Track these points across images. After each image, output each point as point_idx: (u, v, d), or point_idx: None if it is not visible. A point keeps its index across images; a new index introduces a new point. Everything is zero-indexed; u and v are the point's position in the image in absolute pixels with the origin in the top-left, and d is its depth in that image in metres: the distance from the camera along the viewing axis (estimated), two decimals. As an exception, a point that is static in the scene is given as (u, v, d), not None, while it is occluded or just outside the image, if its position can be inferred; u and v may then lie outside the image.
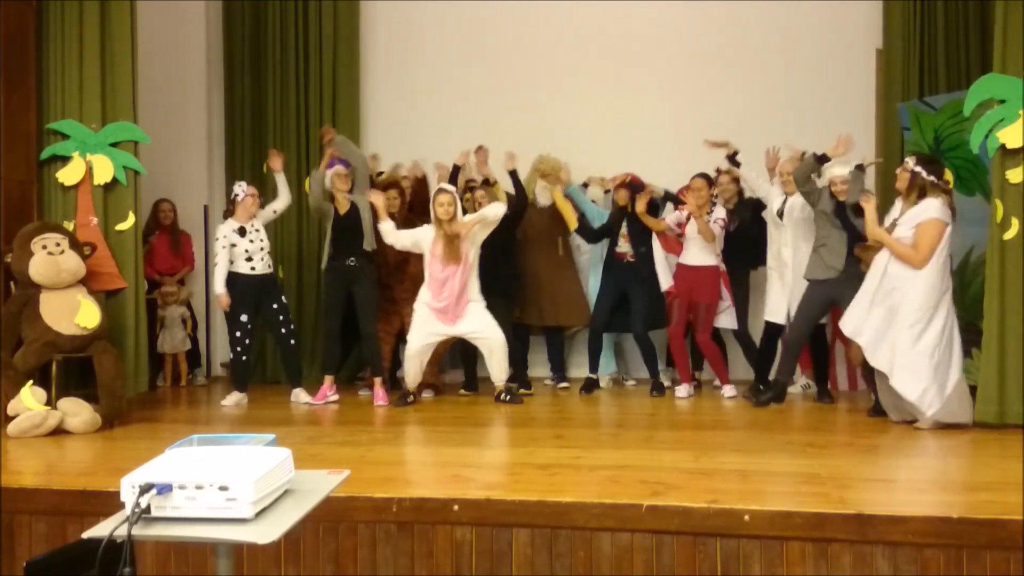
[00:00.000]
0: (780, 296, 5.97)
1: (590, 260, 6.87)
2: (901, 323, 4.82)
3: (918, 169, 4.94)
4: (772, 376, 5.93)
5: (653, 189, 6.47)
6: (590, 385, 6.39)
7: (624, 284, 6.33)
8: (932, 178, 4.92)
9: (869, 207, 5.07)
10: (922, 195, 4.93)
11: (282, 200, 6.31)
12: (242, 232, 6.03)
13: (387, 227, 5.90)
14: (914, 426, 4.82)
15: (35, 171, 5.61)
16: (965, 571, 3.01)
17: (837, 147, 5.45)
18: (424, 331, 5.85)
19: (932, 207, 4.86)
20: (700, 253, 6.10)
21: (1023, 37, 4.85)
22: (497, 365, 5.92)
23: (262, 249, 6.08)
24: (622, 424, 5.39)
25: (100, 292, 5.43)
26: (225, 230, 6.05)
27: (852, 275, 5.39)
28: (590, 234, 6.53)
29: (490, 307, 6.05)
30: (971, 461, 4.20)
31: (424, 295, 5.87)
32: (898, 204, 5.14)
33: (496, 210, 5.87)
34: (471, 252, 5.82)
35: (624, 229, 6.37)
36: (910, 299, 4.82)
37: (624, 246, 6.37)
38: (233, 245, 6.00)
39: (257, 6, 7.45)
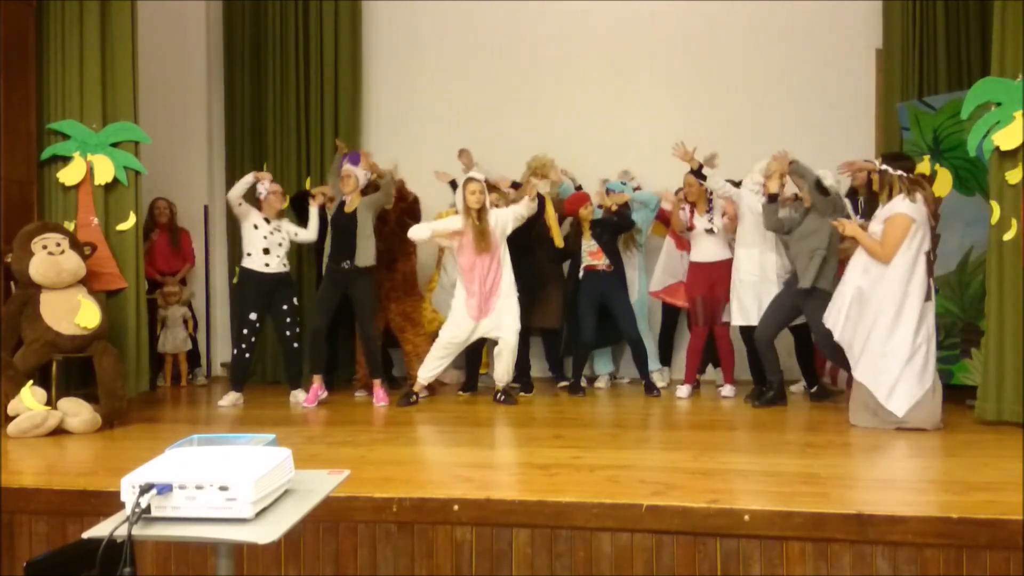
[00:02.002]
0: (756, 297, 5.91)
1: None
2: (872, 321, 4.83)
3: (884, 167, 4.93)
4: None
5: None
6: (575, 388, 6.34)
7: (603, 295, 6.25)
8: (900, 172, 4.88)
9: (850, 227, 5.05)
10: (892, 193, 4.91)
11: (307, 234, 6.24)
12: (268, 221, 6.13)
13: (415, 230, 5.90)
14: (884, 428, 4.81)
15: (35, 171, 5.61)
16: (965, 571, 3.01)
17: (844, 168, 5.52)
18: (456, 330, 5.86)
19: (899, 203, 4.83)
20: (715, 248, 6.12)
21: (1022, 38, 4.85)
22: (503, 366, 5.94)
23: (280, 245, 6.11)
24: (622, 424, 5.39)
25: (100, 292, 5.43)
26: (254, 212, 6.15)
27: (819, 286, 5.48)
28: (558, 255, 6.44)
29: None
30: (971, 461, 4.19)
31: (460, 288, 5.88)
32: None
33: (527, 209, 5.86)
34: (502, 244, 5.85)
35: (593, 247, 6.27)
36: (879, 297, 4.82)
37: (595, 260, 6.27)
38: (255, 226, 6.08)
39: (257, 6, 7.45)
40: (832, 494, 3.36)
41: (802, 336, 5.98)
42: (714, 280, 6.11)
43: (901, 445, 4.50)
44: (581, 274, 6.32)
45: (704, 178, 5.95)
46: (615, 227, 6.34)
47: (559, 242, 6.37)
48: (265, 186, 6.19)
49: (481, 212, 5.79)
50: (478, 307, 5.82)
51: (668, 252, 6.53)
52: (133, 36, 5.73)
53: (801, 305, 5.55)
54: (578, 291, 6.30)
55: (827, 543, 3.08)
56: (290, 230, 6.24)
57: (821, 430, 5.01)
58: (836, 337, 5.03)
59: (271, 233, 6.12)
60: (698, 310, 6.16)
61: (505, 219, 5.87)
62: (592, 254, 6.28)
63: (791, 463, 4.03)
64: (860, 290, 4.89)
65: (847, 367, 5.57)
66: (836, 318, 5.02)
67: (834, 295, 5.11)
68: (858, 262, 4.96)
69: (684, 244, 6.43)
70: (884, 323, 4.79)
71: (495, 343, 6.03)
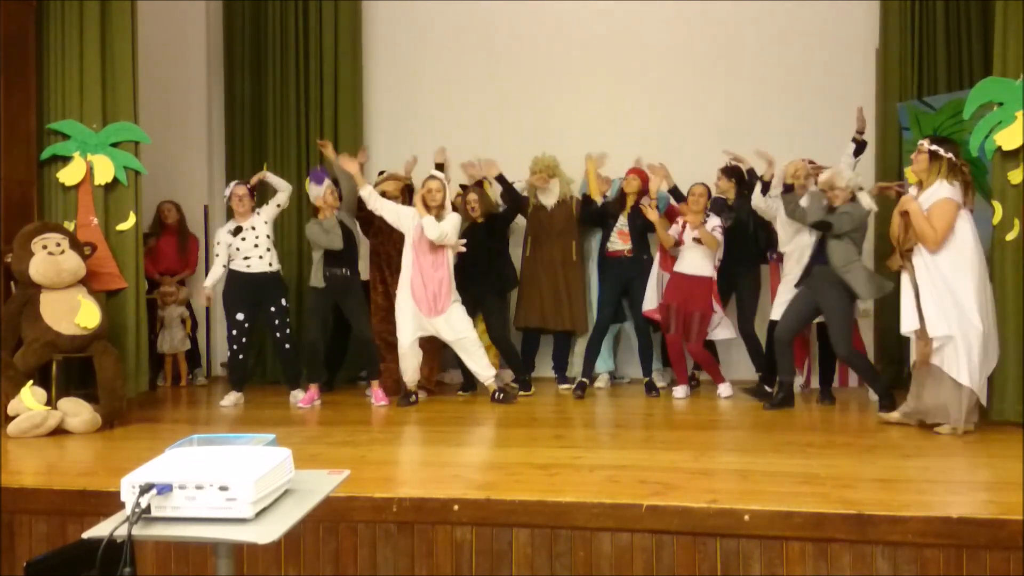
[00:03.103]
0: (789, 295, 5.91)
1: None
2: (967, 322, 4.64)
3: (935, 148, 4.79)
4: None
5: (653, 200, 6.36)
6: (582, 387, 6.30)
7: (624, 279, 6.28)
8: (950, 155, 4.77)
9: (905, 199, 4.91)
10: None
11: (282, 193, 6.22)
12: (237, 231, 6.08)
13: (367, 192, 5.88)
14: (936, 430, 4.74)
15: (35, 171, 5.61)
16: (965, 571, 3.01)
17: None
18: (412, 325, 5.84)
19: (943, 189, 4.73)
20: (698, 262, 6.06)
21: (1023, 37, 4.85)
22: (476, 364, 5.93)
23: (256, 247, 6.06)
24: (622, 424, 5.39)
25: (100, 292, 5.43)
26: (221, 233, 6.14)
27: (828, 279, 5.35)
28: (592, 215, 6.48)
29: (487, 305, 6.12)
30: (971, 461, 4.20)
31: (404, 285, 5.86)
32: (913, 191, 4.96)
33: (448, 235, 5.80)
34: (449, 248, 5.86)
35: (624, 227, 6.32)
36: (965, 296, 4.65)
37: (620, 244, 6.30)
38: (229, 244, 6.06)
39: (257, 6, 7.45)
40: (832, 494, 3.36)
41: (826, 338, 6.00)
42: (691, 294, 6.03)
43: (901, 445, 4.49)
44: (601, 261, 6.36)
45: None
46: (646, 225, 6.35)
47: (595, 195, 6.41)
48: (229, 188, 6.17)
49: (440, 211, 5.81)
50: (427, 302, 5.80)
51: (657, 273, 6.41)
52: (133, 36, 5.72)
53: (821, 302, 5.43)
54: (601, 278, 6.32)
55: (827, 543, 3.08)
56: (270, 212, 6.14)
57: (821, 430, 5.01)
58: (941, 334, 4.65)
59: (243, 239, 6.05)
60: (669, 317, 6.07)
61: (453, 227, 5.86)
62: (621, 234, 6.28)
63: (791, 463, 4.03)
64: (946, 285, 4.68)
65: (862, 369, 5.55)
66: (937, 321, 4.68)
67: (928, 304, 4.73)
68: (924, 264, 4.76)
69: (669, 264, 6.35)
70: (977, 323, 4.62)
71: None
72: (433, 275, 5.80)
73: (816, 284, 5.40)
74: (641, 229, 6.33)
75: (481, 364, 5.94)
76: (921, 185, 4.90)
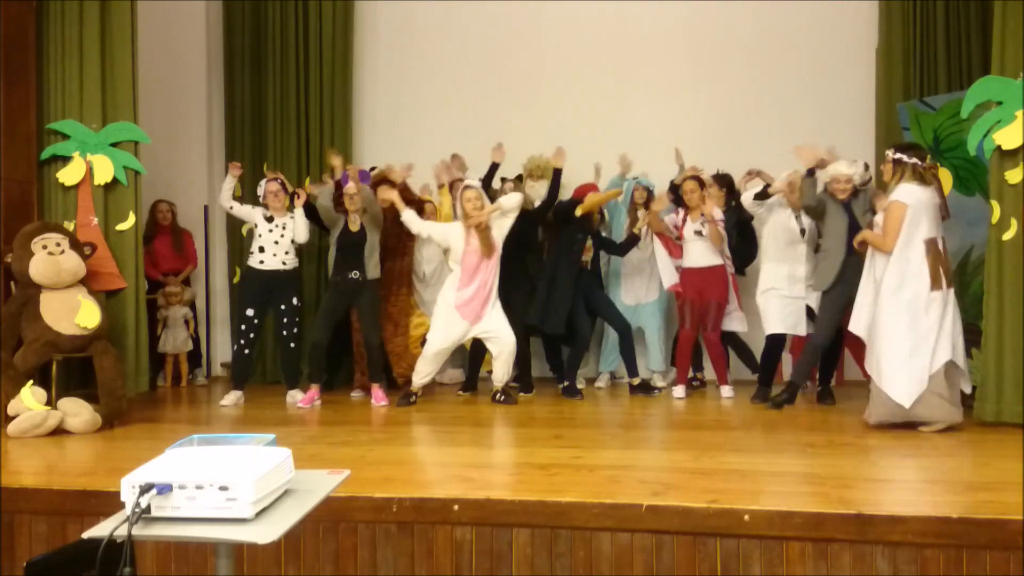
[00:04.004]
0: (784, 307, 5.89)
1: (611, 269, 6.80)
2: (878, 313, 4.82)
3: (899, 156, 4.89)
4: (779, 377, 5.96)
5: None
6: (572, 390, 6.22)
7: (584, 288, 6.26)
8: (915, 160, 4.84)
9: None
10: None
11: (297, 236, 6.19)
12: (269, 219, 6.13)
13: (409, 216, 5.91)
14: (921, 429, 4.79)
15: (35, 171, 5.61)
16: (965, 571, 3.01)
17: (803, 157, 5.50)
18: (446, 333, 5.85)
19: (897, 190, 4.83)
20: (705, 254, 6.09)
21: (1022, 38, 4.85)
22: (502, 367, 5.94)
23: (278, 243, 6.09)
24: (622, 424, 5.39)
25: (100, 292, 5.43)
26: (258, 209, 6.17)
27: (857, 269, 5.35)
28: (613, 248, 6.48)
29: (512, 304, 6.10)
30: (971, 461, 4.20)
31: (449, 291, 5.87)
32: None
33: (512, 200, 5.87)
34: (500, 244, 5.87)
35: (589, 242, 6.30)
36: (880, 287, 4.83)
37: (584, 255, 6.28)
38: (256, 225, 6.13)
39: (257, 6, 7.46)
40: (832, 494, 3.36)
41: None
42: (704, 285, 6.06)
43: (901, 445, 4.49)
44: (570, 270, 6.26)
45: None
46: (612, 247, 6.41)
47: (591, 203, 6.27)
48: (262, 185, 6.21)
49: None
50: (476, 310, 5.83)
51: (662, 254, 6.47)
52: (133, 36, 5.73)
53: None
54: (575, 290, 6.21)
55: (827, 543, 3.08)
56: (296, 230, 6.18)
57: (821, 430, 5.00)
58: (862, 334, 4.95)
59: (270, 231, 6.11)
60: (686, 313, 6.13)
61: (500, 221, 5.86)
62: (585, 248, 6.27)
63: (791, 463, 4.03)
64: (876, 284, 4.86)
65: (811, 366, 5.72)
66: (858, 320, 4.97)
67: (858, 299, 5.01)
68: (869, 260, 4.96)
69: (672, 249, 6.36)
70: (878, 313, 4.78)
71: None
72: (485, 283, 5.82)
73: (852, 278, 5.30)
74: (600, 244, 6.40)
75: (506, 369, 5.95)
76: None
